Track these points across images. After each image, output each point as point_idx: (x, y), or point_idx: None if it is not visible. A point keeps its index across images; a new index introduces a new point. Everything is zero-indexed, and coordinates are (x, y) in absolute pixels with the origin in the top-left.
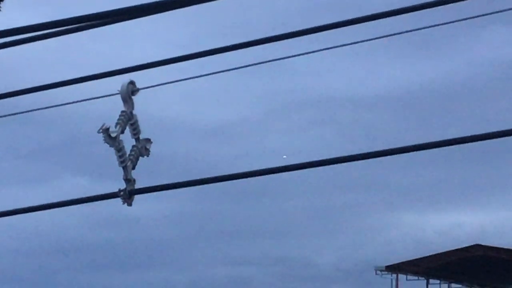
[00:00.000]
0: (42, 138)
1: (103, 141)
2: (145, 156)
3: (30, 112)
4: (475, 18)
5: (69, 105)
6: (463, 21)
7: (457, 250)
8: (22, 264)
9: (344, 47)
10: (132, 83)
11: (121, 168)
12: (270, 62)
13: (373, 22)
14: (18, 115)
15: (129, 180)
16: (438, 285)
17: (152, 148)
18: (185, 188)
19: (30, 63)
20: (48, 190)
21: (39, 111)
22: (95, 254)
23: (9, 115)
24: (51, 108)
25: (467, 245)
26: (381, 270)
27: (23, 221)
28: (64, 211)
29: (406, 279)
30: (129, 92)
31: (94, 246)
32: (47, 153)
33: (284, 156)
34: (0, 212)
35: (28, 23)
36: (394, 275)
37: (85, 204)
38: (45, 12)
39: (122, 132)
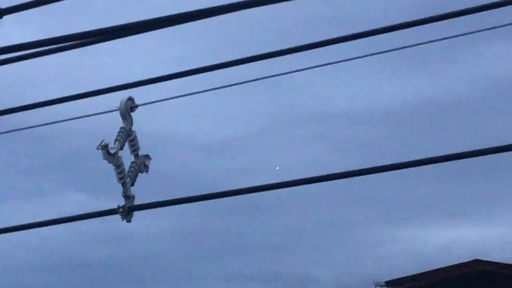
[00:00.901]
0: (41, 154)
1: (102, 158)
2: (144, 173)
3: (29, 129)
4: (474, 34)
5: (68, 121)
6: (462, 37)
7: (457, 265)
8: (21, 281)
9: (342, 62)
10: (130, 99)
11: (120, 185)
12: (269, 78)
13: (371, 37)
14: (18, 131)
15: (128, 197)
16: None
17: (151, 165)
18: (184, 204)
19: (29, 80)
20: (47, 206)
21: (38, 127)
22: (94, 271)
23: (9, 131)
24: (50, 125)
25: (467, 260)
26: (380, 285)
27: (22, 238)
28: (63, 227)
29: None
30: (128, 109)
31: (93, 263)
32: (46, 170)
33: (277, 168)
34: None
35: (26, 40)
36: None
37: (84, 220)
38: (43, 28)
39: (121, 148)
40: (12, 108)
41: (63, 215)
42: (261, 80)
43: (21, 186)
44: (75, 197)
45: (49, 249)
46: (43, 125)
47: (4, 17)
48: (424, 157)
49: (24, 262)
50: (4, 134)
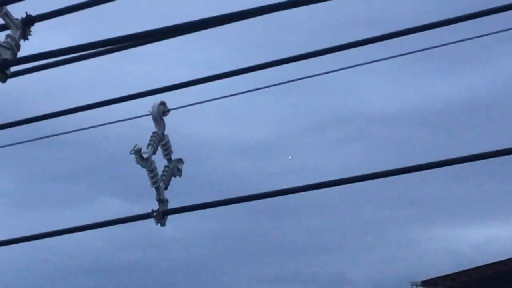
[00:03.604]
0: (75, 160)
1: (135, 162)
2: (178, 177)
3: (62, 135)
4: (505, 32)
5: (101, 126)
6: (495, 35)
7: (493, 263)
8: (56, 286)
9: (374, 63)
10: (163, 103)
11: (153, 189)
12: (301, 80)
13: (402, 37)
14: (51, 137)
15: (161, 201)
16: None
17: (185, 168)
18: (218, 208)
19: (62, 86)
20: (82, 212)
21: (72, 133)
22: (129, 275)
23: (42, 138)
24: (83, 130)
25: (503, 258)
26: (417, 285)
27: (57, 244)
28: (98, 233)
29: None
30: (160, 113)
31: (127, 268)
32: (80, 175)
33: (290, 157)
34: (34, 235)
35: (59, 46)
36: None
37: (118, 225)
38: (76, 34)
39: (154, 153)
40: (45, 114)
41: (97, 220)
42: (295, 82)
43: (55, 193)
44: (110, 203)
45: (84, 254)
46: (76, 130)
47: (36, 24)
48: (458, 155)
49: (59, 268)
50: (39, 141)
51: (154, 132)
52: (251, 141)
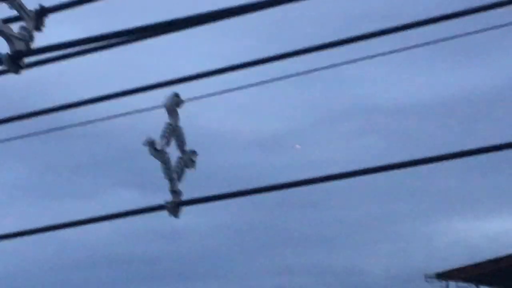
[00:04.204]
0: (90, 152)
1: (149, 154)
2: (191, 168)
3: (77, 126)
4: None
5: (115, 118)
6: (509, 27)
7: (507, 256)
8: (71, 277)
9: (389, 55)
10: (177, 95)
11: (167, 180)
12: (316, 72)
13: (417, 29)
14: (66, 129)
15: (175, 192)
16: None
17: (198, 160)
18: (232, 199)
19: (76, 78)
20: (96, 203)
21: (86, 125)
22: (143, 267)
23: (57, 129)
24: (98, 122)
25: None
26: (431, 277)
27: (72, 235)
28: (112, 224)
29: (457, 286)
30: (174, 104)
31: (142, 259)
32: (95, 167)
33: (298, 146)
34: (49, 226)
35: (72, 38)
36: (444, 282)
37: (132, 217)
38: (89, 26)
39: (168, 144)
40: (59, 106)
41: (111, 212)
42: (310, 74)
43: (71, 185)
44: (124, 194)
45: (98, 246)
46: (90, 122)
47: (49, 15)
48: (471, 148)
49: (74, 259)
50: (53, 133)
51: (168, 124)
52: (265, 133)
